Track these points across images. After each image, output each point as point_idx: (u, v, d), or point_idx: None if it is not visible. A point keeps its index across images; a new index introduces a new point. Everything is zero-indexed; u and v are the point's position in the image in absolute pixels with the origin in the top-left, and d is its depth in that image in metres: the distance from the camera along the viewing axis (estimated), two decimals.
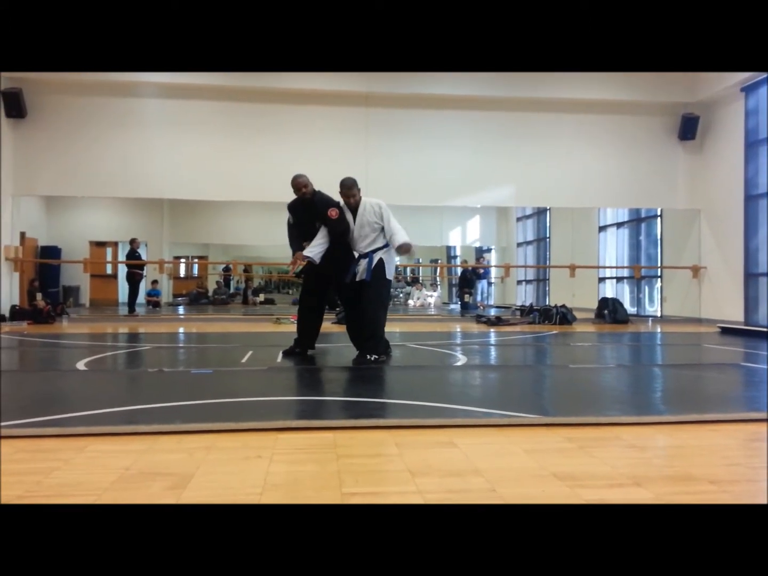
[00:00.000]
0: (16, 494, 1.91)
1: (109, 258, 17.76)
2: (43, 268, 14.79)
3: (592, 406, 3.41)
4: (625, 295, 13.41)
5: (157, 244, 17.28)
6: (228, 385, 4.14)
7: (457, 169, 11.00)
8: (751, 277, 9.94)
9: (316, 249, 5.16)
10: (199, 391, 3.76)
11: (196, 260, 22.28)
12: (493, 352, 6.71)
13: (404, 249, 5.10)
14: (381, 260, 5.13)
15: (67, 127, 10.27)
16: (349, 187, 5.18)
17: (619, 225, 13.87)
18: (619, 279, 13.92)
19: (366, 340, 5.09)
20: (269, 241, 15.64)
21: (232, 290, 21.38)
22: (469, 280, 15.06)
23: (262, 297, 20.03)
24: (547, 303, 13.83)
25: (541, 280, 17.09)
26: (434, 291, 20.16)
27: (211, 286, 19.69)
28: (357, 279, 5.18)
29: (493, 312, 13.51)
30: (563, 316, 10.38)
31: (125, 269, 13.52)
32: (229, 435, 2.69)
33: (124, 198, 14.20)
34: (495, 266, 18.64)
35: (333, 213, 5.13)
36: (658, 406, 3.52)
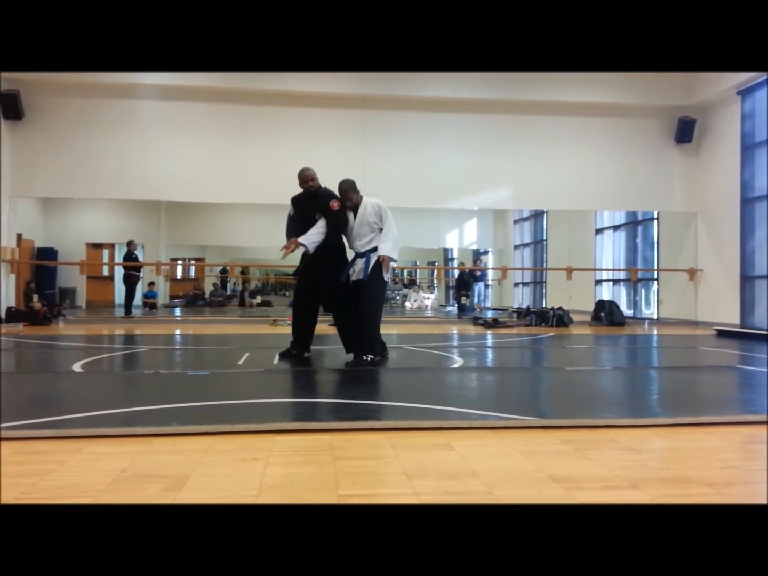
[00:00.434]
0: (12, 496, 1.91)
1: (105, 260, 17.74)
2: (40, 269, 14.77)
3: (589, 408, 3.41)
4: (621, 298, 13.43)
5: (154, 246, 17.26)
6: (224, 387, 4.14)
7: (455, 171, 11.02)
8: (747, 279, 9.97)
9: (311, 238, 5.15)
10: (195, 393, 3.75)
11: (193, 262, 22.26)
12: (489, 354, 6.72)
13: (384, 262, 5.09)
14: (378, 260, 5.13)
15: (64, 129, 10.26)
16: (345, 190, 5.19)
17: (615, 227, 13.89)
18: (615, 281, 13.95)
19: (362, 341, 5.09)
20: (266, 243, 15.63)
21: (229, 292, 21.37)
22: (466, 282, 15.08)
23: (258, 299, 20.04)
24: (543, 305, 13.86)
25: (538, 283, 17.11)
26: (431, 293, 20.19)
27: (208, 288, 19.68)
28: (354, 279, 5.18)
29: (490, 314, 13.51)
30: (560, 319, 10.40)
31: (122, 271, 13.53)
32: (225, 437, 2.68)
33: (121, 200, 14.17)
34: (492, 268, 18.67)
35: (335, 204, 5.16)
36: (655, 409, 3.53)
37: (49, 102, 10.25)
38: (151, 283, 16.18)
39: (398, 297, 21.15)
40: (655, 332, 10.02)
